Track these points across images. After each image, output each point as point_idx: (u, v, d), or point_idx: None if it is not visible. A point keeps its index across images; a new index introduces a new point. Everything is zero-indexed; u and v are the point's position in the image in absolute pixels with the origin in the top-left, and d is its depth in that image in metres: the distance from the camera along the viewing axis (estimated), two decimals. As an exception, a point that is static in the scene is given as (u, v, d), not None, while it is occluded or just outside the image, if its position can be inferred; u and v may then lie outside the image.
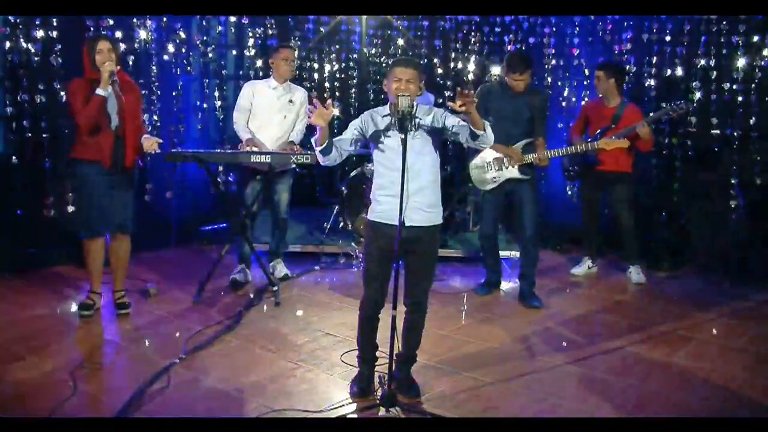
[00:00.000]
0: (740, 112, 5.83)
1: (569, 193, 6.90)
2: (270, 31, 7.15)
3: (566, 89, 6.92)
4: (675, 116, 5.21)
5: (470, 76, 7.59)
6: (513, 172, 4.81)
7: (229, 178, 6.83)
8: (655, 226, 6.25)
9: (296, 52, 5.20)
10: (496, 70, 7.42)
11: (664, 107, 5.25)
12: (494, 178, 4.87)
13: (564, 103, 6.91)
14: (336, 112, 7.66)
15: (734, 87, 5.83)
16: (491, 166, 4.86)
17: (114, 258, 4.52)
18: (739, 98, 5.82)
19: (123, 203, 4.38)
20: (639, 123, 5.11)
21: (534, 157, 4.76)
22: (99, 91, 4.10)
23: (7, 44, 5.23)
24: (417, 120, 3.19)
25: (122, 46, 5.88)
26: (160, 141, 4.40)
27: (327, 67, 7.69)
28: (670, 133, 6.24)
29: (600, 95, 5.50)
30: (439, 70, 7.62)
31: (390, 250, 3.20)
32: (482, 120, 3.22)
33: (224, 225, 6.44)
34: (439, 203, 3.33)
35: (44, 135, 5.44)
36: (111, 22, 5.77)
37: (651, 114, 5.30)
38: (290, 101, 5.17)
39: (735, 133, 5.86)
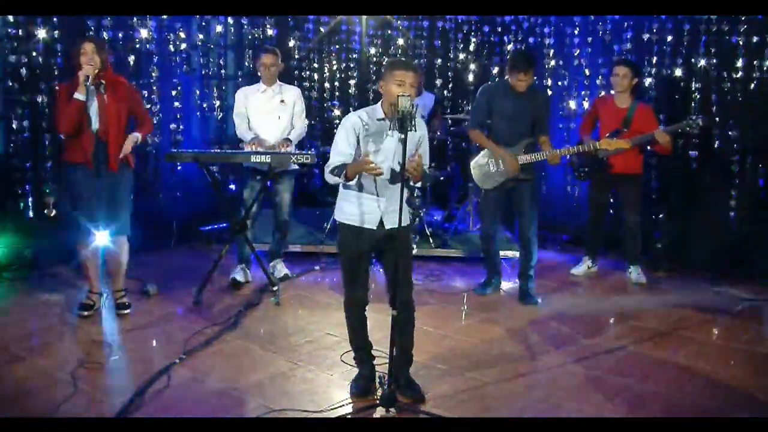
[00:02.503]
0: (740, 112, 5.82)
1: (568, 191, 6.89)
2: (270, 32, 7.15)
3: (566, 89, 6.92)
4: (689, 131, 5.16)
5: (470, 77, 7.59)
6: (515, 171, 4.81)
7: (229, 178, 6.83)
8: (655, 226, 6.25)
9: (277, 57, 5.14)
10: (495, 70, 7.44)
11: (682, 121, 5.19)
12: (496, 177, 4.86)
13: (563, 104, 6.91)
14: (336, 111, 7.67)
15: (734, 87, 5.83)
16: (493, 164, 4.86)
17: (110, 261, 4.52)
18: (739, 98, 5.81)
19: (115, 206, 4.35)
20: (657, 131, 5.08)
21: (539, 156, 4.76)
22: (76, 95, 4.10)
23: (8, 44, 5.23)
24: (415, 121, 3.21)
25: (122, 47, 5.89)
26: (136, 141, 4.33)
27: (327, 67, 7.69)
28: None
29: (612, 92, 5.47)
30: (437, 71, 7.63)
31: (368, 251, 3.29)
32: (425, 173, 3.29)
33: (224, 225, 6.44)
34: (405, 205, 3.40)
35: (44, 135, 5.44)
36: (111, 22, 5.77)
37: (669, 126, 5.26)
38: (282, 101, 5.18)
39: (734, 133, 5.86)
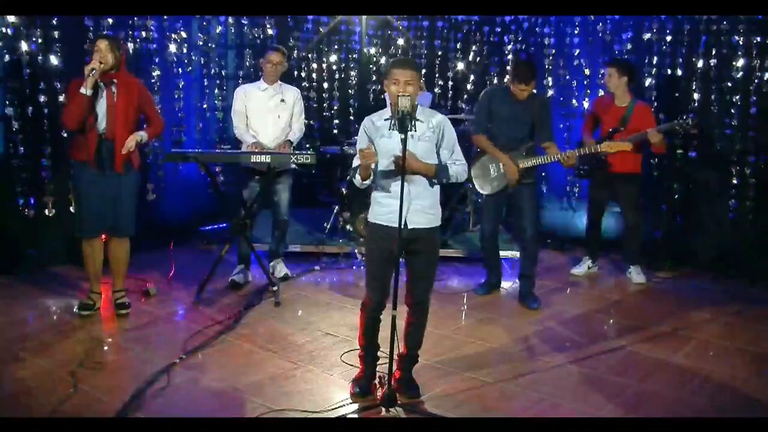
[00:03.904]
0: (739, 112, 5.82)
1: (568, 191, 6.89)
2: (270, 31, 7.15)
3: (566, 89, 6.91)
4: (681, 131, 5.18)
5: (470, 77, 7.59)
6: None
7: (230, 178, 6.82)
8: (655, 226, 6.24)
9: (284, 56, 5.21)
10: (495, 71, 7.44)
11: (674, 121, 5.22)
12: (496, 181, 4.86)
13: (563, 103, 6.91)
14: (335, 111, 7.68)
15: (734, 87, 5.83)
16: (494, 169, 4.86)
17: (112, 260, 4.52)
18: (739, 98, 5.81)
19: (118, 206, 4.35)
20: (650, 130, 5.09)
21: (539, 160, 4.76)
22: (81, 90, 4.09)
23: (8, 44, 5.22)
24: (417, 121, 3.21)
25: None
26: (140, 139, 4.31)
27: (327, 68, 7.70)
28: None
29: (611, 92, 5.48)
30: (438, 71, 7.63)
31: (391, 251, 3.24)
32: (438, 168, 3.27)
33: (224, 225, 6.44)
34: (438, 205, 3.38)
35: (44, 135, 5.44)
36: (111, 22, 5.77)
37: (661, 125, 5.28)
38: (282, 100, 5.19)
39: (734, 133, 5.86)
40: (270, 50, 5.23)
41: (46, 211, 5.47)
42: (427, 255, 3.34)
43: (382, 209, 3.29)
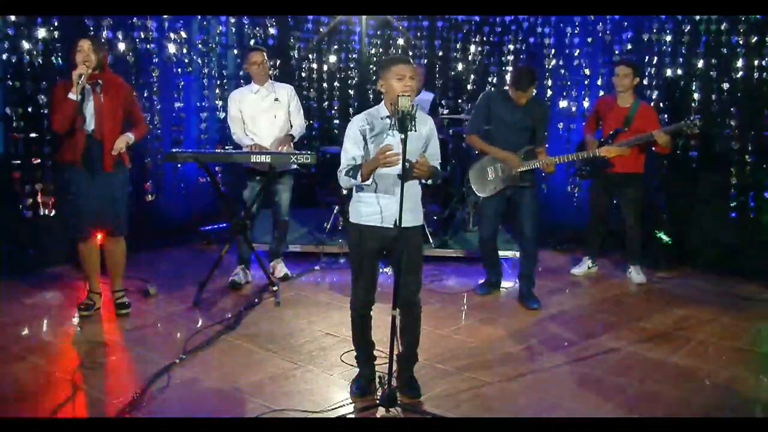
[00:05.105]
0: (739, 113, 5.82)
1: (569, 191, 6.89)
2: (270, 31, 7.16)
3: (566, 89, 6.91)
4: (687, 131, 5.19)
5: (470, 77, 7.60)
6: (514, 179, 4.79)
7: (230, 178, 6.83)
8: (656, 226, 6.24)
9: (264, 54, 5.15)
10: (494, 70, 7.44)
11: (681, 122, 5.22)
12: (493, 184, 4.85)
13: (563, 103, 6.91)
14: (335, 111, 7.68)
15: (734, 87, 5.83)
16: (491, 172, 4.85)
17: (109, 260, 4.51)
18: (739, 98, 5.81)
19: (111, 205, 4.34)
20: (657, 131, 5.09)
21: (537, 163, 4.76)
22: (70, 95, 4.07)
23: (8, 44, 5.22)
24: (416, 121, 3.20)
25: (122, 47, 5.90)
26: (129, 141, 4.31)
27: (326, 68, 7.70)
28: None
29: (615, 91, 5.47)
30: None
31: (378, 250, 3.29)
32: (433, 172, 3.26)
33: (224, 225, 6.44)
34: (420, 204, 3.41)
35: (44, 135, 5.44)
36: (111, 22, 5.77)
37: (668, 126, 5.29)
38: (276, 99, 5.17)
39: (734, 133, 5.86)
40: (250, 52, 5.17)
41: (46, 211, 5.48)
42: (413, 253, 3.32)
43: (372, 209, 3.28)
